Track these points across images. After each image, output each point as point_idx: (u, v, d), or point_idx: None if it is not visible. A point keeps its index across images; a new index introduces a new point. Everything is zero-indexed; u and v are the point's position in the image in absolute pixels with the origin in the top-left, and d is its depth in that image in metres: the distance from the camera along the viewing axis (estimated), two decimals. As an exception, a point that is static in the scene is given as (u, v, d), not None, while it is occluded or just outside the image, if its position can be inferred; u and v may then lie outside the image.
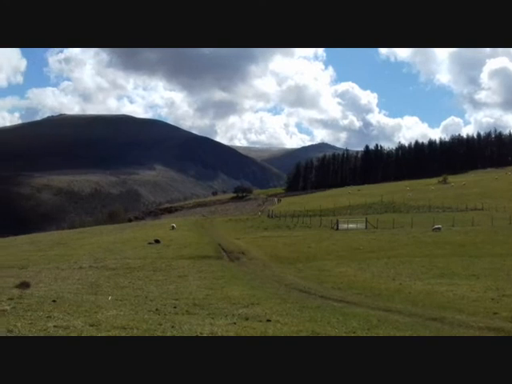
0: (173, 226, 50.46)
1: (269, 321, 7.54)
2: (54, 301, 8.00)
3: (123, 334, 5.22)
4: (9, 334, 4.75)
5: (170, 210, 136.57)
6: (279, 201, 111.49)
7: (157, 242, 34.23)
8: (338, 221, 46.87)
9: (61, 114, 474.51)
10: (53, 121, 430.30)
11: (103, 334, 5.13)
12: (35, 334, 4.97)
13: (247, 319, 7.68)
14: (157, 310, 8.04)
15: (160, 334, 5.47)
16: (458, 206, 61.69)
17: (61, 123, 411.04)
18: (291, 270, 21.69)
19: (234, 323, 7.02)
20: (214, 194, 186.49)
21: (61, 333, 5.04)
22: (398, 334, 7.16)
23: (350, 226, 45.81)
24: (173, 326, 6.08)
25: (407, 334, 7.29)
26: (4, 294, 8.96)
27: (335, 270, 20.96)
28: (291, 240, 36.03)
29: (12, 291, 9.92)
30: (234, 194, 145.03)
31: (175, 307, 8.59)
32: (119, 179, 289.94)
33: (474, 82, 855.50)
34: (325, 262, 23.56)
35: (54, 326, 5.49)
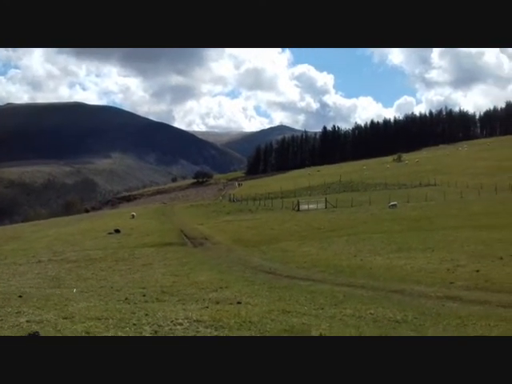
0: (133, 215, 49.59)
1: (239, 303, 7.67)
2: (20, 296, 7.77)
3: (99, 325, 5.19)
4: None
5: (128, 199, 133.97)
6: (240, 185, 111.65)
7: (117, 231, 33.59)
8: (298, 202, 47.59)
9: (8, 104, 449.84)
10: (0, 111, 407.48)
11: (78, 327, 5.07)
12: (8, 330, 4.83)
13: (218, 303, 7.77)
14: (126, 299, 7.98)
15: (135, 322, 5.48)
16: (412, 182, 64.03)
17: (9, 113, 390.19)
18: (256, 252, 21.92)
19: (207, 307, 7.10)
20: (174, 180, 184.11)
21: (34, 327, 4.92)
22: (363, 308, 7.49)
23: (311, 206, 46.61)
24: (146, 314, 6.08)
25: (372, 308, 7.63)
26: (-39, 292, 8.59)
27: (298, 250, 21.37)
28: (254, 223, 36.30)
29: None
30: (194, 180, 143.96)
31: (144, 295, 8.56)
32: (73, 169, 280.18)
33: (425, 61, 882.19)
34: (288, 243, 23.95)
35: (27, 321, 5.36)
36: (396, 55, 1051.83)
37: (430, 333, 6.28)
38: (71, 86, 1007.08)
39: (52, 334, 4.68)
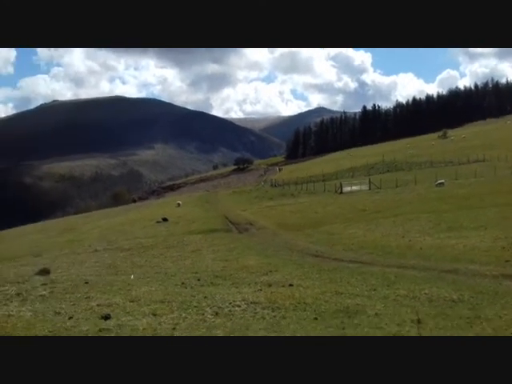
0: (178, 203, 50.87)
1: (291, 285, 7.81)
2: (86, 282, 8.28)
3: (163, 307, 5.51)
4: (58, 317, 5.02)
5: (172, 188, 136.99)
6: (280, 169, 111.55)
7: (164, 220, 34.61)
8: (341, 184, 47.04)
9: (54, 101, 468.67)
10: (46, 108, 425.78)
11: (145, 309, 5.41)
12: (82, 313, 5.23)
13: (270, 285, 7.95)
14: (183, 283, 8.31)
15: (196, 305, 5.75)
16: (459, 159, 61.62)
17: (55, 110, 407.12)
18: (301, 236, 21.98)
19: (260, 290, 7.29)
20: (215, 167, 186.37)
21: (105, 310, 5.29)
22: (416, 288, 7.43)
23: (354, 188, 45.97)
24: (205, 297, 6.36)
25: (426, 288, 7.56)
26: (30, 281, 9.23)
27: (344, 232, 21.24)
28: (297, 207, 36.31)
29: (35, 278, 10.22)
30: (235, 167, 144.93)
31: (199, 280, 8.87)
32: (119, 161, 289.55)
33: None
34: (333, 226, 23.84)
35: (97, 305, 5.76)
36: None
37: (488, 312, 6.17)
38: (111, 80, 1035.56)
39: (122, 316, 5.02)
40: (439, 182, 38.43)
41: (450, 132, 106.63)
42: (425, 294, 7.16)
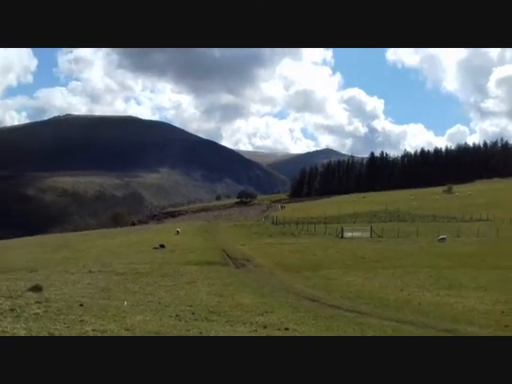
0: (177, 231, 50.61)
1: (287, 329, 7.66)
2: (81, 305, 8.16)
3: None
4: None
5: (173, 215, 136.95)
6: (283, 207, 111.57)
7: (162, 246, 34.37)
8: (342, 228, 46.89)
9: (67, 114, 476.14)
10: (59, 121, 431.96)
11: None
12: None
13: (266, 327, 7.80)
14: (177, 315, 8.17)
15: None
16: (463, 216, 61.58)
17: (67, 123, 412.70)
18: (298, 278, 21.76)
19: (255, 331, 7.15)
20: (218, 198, 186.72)
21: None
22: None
23: (355, 234, 45.77)
24: (200, 333, 6.22)
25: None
26: (23, 297, 9.10)
27: (342, 279, 21.03)
28: (296, 247, 36.09)
29: (28, 294, 10.09)
30: (238, 199, 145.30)
31: (193, 313, 8.72)
32: (123, 182, 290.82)
33: (481, 90, 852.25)
34: (331, 271, 23.63)
35: (92, 330, 5.65)
36: (450, 82, 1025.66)
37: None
38: (127, 100, 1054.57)
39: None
40: (441, 237, 38.24)
41: (456, 188, 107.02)
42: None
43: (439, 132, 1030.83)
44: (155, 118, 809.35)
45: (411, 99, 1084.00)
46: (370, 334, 8.06)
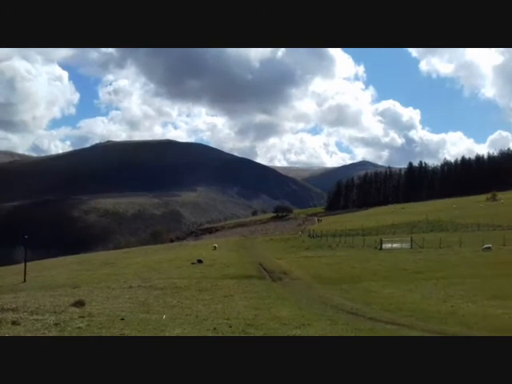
0: (215, 246, 51.11)
1: (323, 342, 7.56)
2: (122, 319, 8.39)
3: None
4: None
5: (210, 231, 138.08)
6: (320, 220, 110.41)
7: (199, 261, 34.82)
8: (381, 240, 45.88)
9: (108, 141, 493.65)
10: (101, 147, 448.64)
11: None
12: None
13: (302, 340, 7.74)
14: (215, 329, 8.24)
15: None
16: (508, 224, 58.84)
17: (108, 149, 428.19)
18: (336, 290, 21.41)
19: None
20: (254, 213, 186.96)
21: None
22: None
23: (395, 245, 44.69)
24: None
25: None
26: (67, 312, 9.45)
27: (382, 291, 20.51)
28: (334, 260, 35.59)
29: (71, 309, 10.46)
30: (274, 214, 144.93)
31: (230, 327, 8.77)
32: (162, 201, 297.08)
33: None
34: (370, 283, 23.11)
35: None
36: (488, 88, 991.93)
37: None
38: (164, 125, 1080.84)
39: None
40: (486, 246, 36.68)
41: (500, 194, 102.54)
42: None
43: (480, 139, 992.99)
44: (191, 140, 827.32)
45: (448, 108, 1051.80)
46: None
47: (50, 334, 6.42)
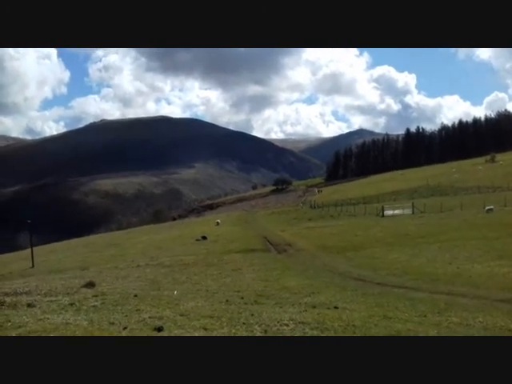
0: (217, 222, 51.37)
1: (336, 308, 7.67)
2: (135, 295, 8.49)
3: (213, 322, 5.57)
4: (112, 327, 5.17)
5: (211, 207, 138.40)
6: (320, 191, 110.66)
7: (204, 238, 35.07)
8: (383, 207, 46.10)
9: (102, 120, 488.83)
10: (95, 127, 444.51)
11: (195, 323, 5.48)
12: (135, 325, 5.36)
13: (315, 307, 7.84)
14: (227, 301, 8.36)
15: (244, 322, 5.77)
16: (509, 184, 59.01)
17: (102, 128, 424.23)
18: (341, 259, 21.63)
19: (305, 311, 7.21)
20: (254, 188, 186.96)
21: (157, 323, 5.40)
22: (469, 316, 7.12)
23: (396, 211, 44.90)
24: (252, 314, 6.35)
25: (480, 316, 7.22)
26: (80, 293, 9.54)
27: (387, 256, 20.71)
28: (337, 229, 35.83)
29: (83, 290, 10.56)
30: (274, 187, 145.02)
31: (242, 298, 8.89)
32: (161, 179, 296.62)
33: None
34: (374, 250, 23.32)
35: (149, 317, 5.89)
36: (483, 51, 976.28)
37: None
38: (157, 101, 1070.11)
39: (174, 328, 5.10)
40: (488, 208, 36.83)
41: (499, 156, 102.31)
42: (479, 321, 6.84)
43: (476, 101, 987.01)
44: (186, 115, 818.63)
45: (444, 71, 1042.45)
46: (421, 307, 7.94)
47: (68, 313, 6.49)
